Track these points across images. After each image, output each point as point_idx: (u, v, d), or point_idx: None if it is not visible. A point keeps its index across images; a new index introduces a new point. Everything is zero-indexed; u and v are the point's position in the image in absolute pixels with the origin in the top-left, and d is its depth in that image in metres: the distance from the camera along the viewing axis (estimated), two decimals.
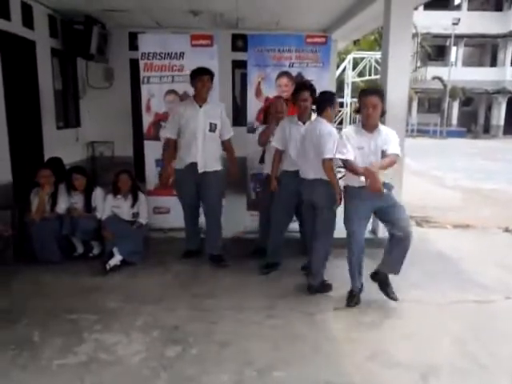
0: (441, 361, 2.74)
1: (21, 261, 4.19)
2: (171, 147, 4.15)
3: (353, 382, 2.53)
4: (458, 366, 2.71)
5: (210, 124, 4.03)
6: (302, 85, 4.03)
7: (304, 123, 3.92)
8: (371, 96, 3.24)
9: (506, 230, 5.90)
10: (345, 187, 3.49)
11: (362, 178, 3.20)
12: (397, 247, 3.38)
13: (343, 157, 3.26)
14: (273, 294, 3.63)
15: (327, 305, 3.46)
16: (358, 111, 3.40)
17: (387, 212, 3.38)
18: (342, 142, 3.30)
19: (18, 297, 3.56)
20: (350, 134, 3.34)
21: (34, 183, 4.35)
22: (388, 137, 3.29)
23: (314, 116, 3.96)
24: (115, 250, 4.09)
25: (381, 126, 3.33)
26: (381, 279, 3.55)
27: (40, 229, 4.17)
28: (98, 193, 4.44)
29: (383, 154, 3.27)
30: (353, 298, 3.47)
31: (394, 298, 3.47)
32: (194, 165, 4.04)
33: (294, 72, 4.92)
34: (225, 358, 2.69)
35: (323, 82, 4.87)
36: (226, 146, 4.24)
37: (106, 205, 4.38)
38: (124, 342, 2.89)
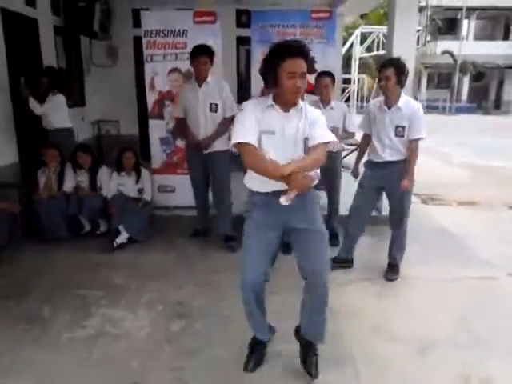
0: (440, 335, 2.79)
1: (29, 238, 4.28)
2: (181, 125, 4.20)
3: (352, 354, 2.59)
4: (456, 340, 2.75)
5: (211, 104, 3.95)
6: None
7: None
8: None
9: None
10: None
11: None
12: (308, 299, 2.33)
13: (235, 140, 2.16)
14: (276, 269, 3.66)
15: None
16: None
17: (299, 239, 2.30)
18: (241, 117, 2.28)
19: (28, 273, 3.65)
20: (252, 107, 2.34)
21: (41, 162, 4.40)
22: (312, 118, 2.21)
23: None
24: (121, 227, 4.16)
25: (303, 103, 2.25)
26: (302, 344, 2.45)
27: (48, 207, 4.24)
28: (103, 171, 4.51)
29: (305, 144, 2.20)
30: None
31: (312, 375, 2.32)
32: (198, 144, 4.03)
33: None
34: (228, 332, 2.75)
35: (328, 58, 4.81)
36: (224, 123, 3.99)
37: (112, 183, 4.43)
38: (130, 316, 2.97)
